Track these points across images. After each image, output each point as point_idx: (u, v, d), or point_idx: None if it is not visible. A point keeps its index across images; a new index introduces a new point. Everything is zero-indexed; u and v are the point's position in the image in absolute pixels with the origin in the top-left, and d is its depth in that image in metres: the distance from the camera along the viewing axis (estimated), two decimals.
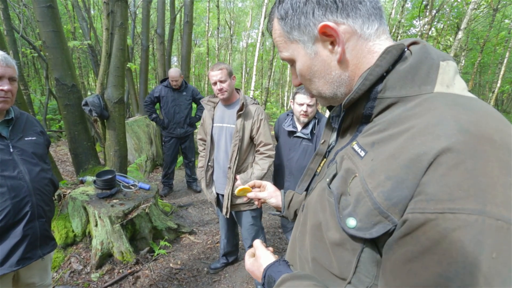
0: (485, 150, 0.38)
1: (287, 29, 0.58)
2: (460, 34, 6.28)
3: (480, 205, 0.36)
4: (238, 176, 2.03)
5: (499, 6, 9.09)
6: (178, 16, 9.17)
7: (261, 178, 2.15)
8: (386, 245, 0.44)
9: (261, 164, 2.15)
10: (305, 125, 2.36)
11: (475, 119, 0.41)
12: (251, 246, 0.82)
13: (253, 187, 1.12)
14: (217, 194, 2.31)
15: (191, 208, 3.97)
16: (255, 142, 2.17)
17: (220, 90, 2.07)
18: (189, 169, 4.54)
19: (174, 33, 7.11)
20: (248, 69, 18.77)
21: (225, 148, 2.17)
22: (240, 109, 2.05)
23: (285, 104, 19.63)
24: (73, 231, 2.66)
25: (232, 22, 17.29)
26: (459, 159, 0.38)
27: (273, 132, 2.71)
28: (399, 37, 9.64)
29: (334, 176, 0.56)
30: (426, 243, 0.38)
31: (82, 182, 3.01)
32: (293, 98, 2.34)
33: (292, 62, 0.62)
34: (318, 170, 0.72)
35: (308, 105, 2.23)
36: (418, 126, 0.43)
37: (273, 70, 15.26)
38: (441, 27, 11.08)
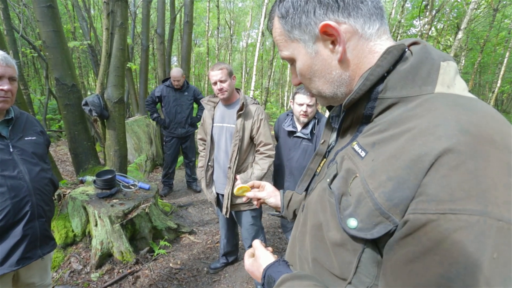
0: (486, 150, 0.38)
1: (287, 28, 0.58)
2: (460, 34, 6.28)
3: (482, 206, 0.36)
4: (238, 176, 2.03)
5: (499, 6, 9.09)
6: (178, 16, 9.16)
7: (261, 178, 2.15)
8: (387, 246, 0.44)
9: (261, 164, 2.15)
10: (305, 125, 2.36)
11: (476, 119, 0.41)
12: (251, 246, 0.82)
13: (252, 187, 1.12)
14: (217, 194, 2.31)
15: (191, 208, 3.97)
16: (255, 142, 2.17)
17: (220, 90, 2.06)
18: (190, 169, 4.54)
19: (174, 33, 7.10)
20: (248, 69, 18.76)
21: (225, 148, 2.17)
22: (240, 109, 2.05)
23: (285, 104, 19.63)
24: (73, 231, 2.66)
25: (232, 22, 17.29)
26: (460, 159, 0.38)
27: (273, 132, 2.71)
28: (399, 37, 9.64)
29: (335, 176, 0.56)
30: (428, 244, 0.38)
31: (82, 182, 3.01)
32: (293, 98, 2.34)
33: (292, 61, 0.62)
34: (318, 170, 0.72)
35: (308, 105, 2.23)
36: (419, 127, 0.43)
37: (273, 70, 15.27)
38: (441, 27, 11.08)
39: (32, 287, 1.53)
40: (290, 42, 0.59)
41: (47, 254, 1.50)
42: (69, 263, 2.50)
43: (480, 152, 0.38)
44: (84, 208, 2.60)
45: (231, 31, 16.94)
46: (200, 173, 2.33)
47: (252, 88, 9.95)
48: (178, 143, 4.32)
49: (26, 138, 1.43)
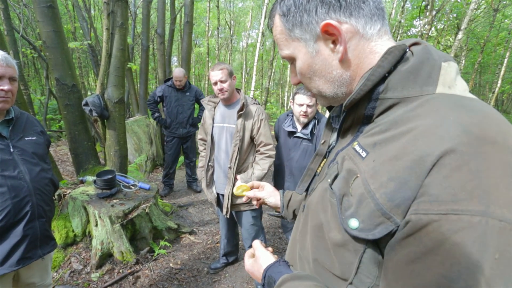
0: (488, 151, 0.38)
1: (288, 27, 0.57)
2: (460, 35, 6.28)
3: (483, 206, 0.36)
4: (238, 176, 2.03)
5: (499, 6, 9.09)
6: (178, 16, 9.17)
7: (262, 178, 2.15)
8: (388, 246, 0.44)
9: (262, 164, 2.15)
10: (305, 126, 2.36)
11: (478, 120, 0.41)
12: (251, 246, 0.82)
13: (251, 187, 1.12)
14: (218, 194, 2.31)
15: (191, 208, 3.97)
16: (255, 142, 2.17)
17: (221, 90, 2.06)
18: (190, 169, 4.54)
19: (175, 33, 7.10)
20: (248, 69, 18.76)
21: (226, 148, 2.17)
22: (241, 109, 2.05)
23: (285, 104, 19.63)
24: (73, 231, 2.66)
25: (232, 22, 17.29)
26: (462, 160, 0.38)
27: (273, 132, 2.71)
28: (398, 37, 9.64)
29: (336, 176, 0.56)
30: (429, 244, 0.38)
31: (82, 182, 3.01)
32: (293, 99, 2.34)
33: (292, 60, 0.62)
34: (318, 171, 0.72)
35: (307, 105, 2.23)
36: (420, 127, 0.43)
37: (273, 70, 15.26)
38: (441, 27, 11.08)
39: (33, 287, 1.53)
40: (291, 41, 0.59)
41: (48, 254, 1.50)
42: (70, 263, 2.50)
43: (482, 152, 0.38)
44: (85, 208, 2.60)
45: (231, 31, 16.94)
46: (200, 173, 2.34)
47: (252, 88, 9.95)
48: (179, 143, 4.32)
49: (26, 138, 1.43)
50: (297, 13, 0.55)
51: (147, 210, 2.76)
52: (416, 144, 0.42)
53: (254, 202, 1.11)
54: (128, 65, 4.17)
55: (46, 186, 1.46)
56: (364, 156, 0.50)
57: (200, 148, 2.43)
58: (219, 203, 2.34)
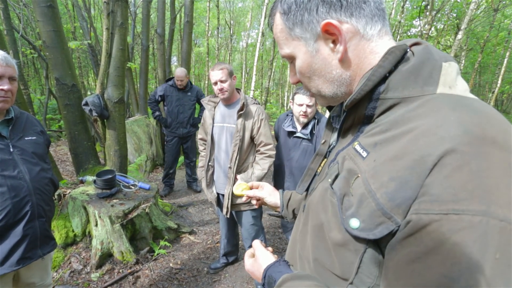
0: (489, 151, 0.38)
1: (289, 25, 0.57)
2: (460, 35, 6.28)
3: (484, 206, 0.36)
4: (238, 176, 2.03)
5: (499, 6, 9.09)
6: (178, 16, 9.16)
7: (262, 178, 2.15)
8: (389, 246, 0.44)
9: (262, 164, 2.15)
10: (304, 126, 2.36)
11: (478, 120, 0.41)
12: (251, 246, 0.82)
13: (251, 188, 1.12)
14: (218, 194, 2.31)
15: (191, 208, 3.97)
16: (255, 142, 2.17)
17: (221, 90, 2.06)
18: (190, 169, 4.54)
19: (174, 33, 7.10)
20: (248, 69, 18.75)
21: (226, 148, 2.17)
22: (241, 109, 2.05)
23: (285, 104, 19.62)
24: (73, 231, 2.66)
25: (232, 22, 17.28)
26: (463, 160, 0.38)
27: (273, 132, 2.72)
28: (398, 37, 9.64)
29: (337, 176, 0.56)
30: (430, 244, 0.38)
31: (82, 181, 3.00)
32: (293, 99, 2.34)
33: (291, 59, 0.62)
34: (318, 170, 0.72)
35: (307, 105, 2.23)
36: (421, 127, 0.43)
37: (273, 70, 15.26)
38: (441, 27, 11.08)
39: (33, 287, 1.53)
40: (291, 40, 0.59)
41: (48, 254, 1.50)
42: (69, 263, 2.50)
43: (483, 152, 0.38)
44: (84, 208, 2.60)
45: (231, 31, 16.93)
46: (200, 173, 2.33)
47: (252, 88, 9.95)
48: (179, 143, 4.33)
49: (26, 138, 1.42)
50: (298, 11, 0.55)
51: (147, 210, 2.76)
52: (417, 144, 0.42)
53: (254, 202, 1.11)
54: (128, 65, 4.17)
55: (46, 186, 1.46)
56: (364, 156, 0.50)
57: (200, 148, 2.43)
58: (219, 203, 2.34)
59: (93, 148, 3.47)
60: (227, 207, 2.17)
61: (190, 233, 3.26)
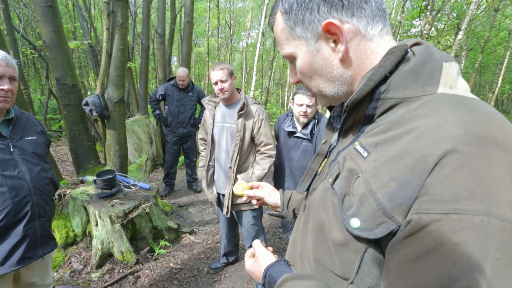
0: (490, 151, 0.38)
1: (290, 24, 0.57)
2: (461, 35, 6.28)
3: (485, 206, 0.36)
4: (239, 176, 2.03)
5: (500, 6, 9.09)
6: (178, 16, 9.16)
7: (262, 178, 2.15)
8: (389, 245, 0.44)
9: (262, 164, 2.15)
10: (304, 126, 2.36)
11: (479, 120, 0.41)
12: (251, 246, 0.82)
13: (251, 188, 1.12)
14: (218, 193, 2.31)
15: (191, 208, 3.97)
16: (256, 142, 2.17)
17: (221, 90, 2.06)
18: (190, 169, 4.54)
19: (175, 33, 7.10)
20: (248, 69, 18.76)
21: (226, 148, 2.17)
22: (241, 109, 2.05)
23: (285, 104, 19.62)
24: (73, 231, 2.66)
25: (232, 22, 17.28)
26: (464, 160, 0.38)
27: (273, 132, 2.71)
28: (399, 37, 9.63)
29: (337, 176, 0.56)
30: (431, 244, 0.38)
31: (82, 181, 3.01)
32: (293, 99, 2.34)
33: (292, 58, 0.61)
34: (319, 170, 0.72)
35: (307, 105, 2.23)
36: (422, 127, 0.43)
37: (273, 70, 15.25)
38: (442, 27, 11.08)
39: (33, 287, 1.53)
40: (292, 40, 0.58)
41: (48, 254, 1.50)
42: (70, 263, 2.50)
43: (484, 152, 0.38)
44: (85, 208, 2.60)
45: (231, 31, 16.93)
46: (201, 173, 2.33)
47: (252, 88, 9.95)
48: (179, 143, 4.32)
49: (26, 138, 1.43)
50: (299, 11, 0.55)
51: (147, 210, 2.76)
52: (418, 144, 0.42)
53: (254, 202, 1.11)
54: (128, 65, 4.17)
55: (46, 186, 1.46)
56: (365, 156, 0.50)
57: (201, 148, 2.43)
58: (219, 202, 2.34)
59: (93, 148, 3.47)
60: (228, 207, 2.17)
61: (190, 233, 3.26)
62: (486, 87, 17.95)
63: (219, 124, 2.19)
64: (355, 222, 0.48)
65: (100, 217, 2.48)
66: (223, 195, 2.23)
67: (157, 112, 4.20)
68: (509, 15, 11.70)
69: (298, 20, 0.56)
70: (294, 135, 2.40)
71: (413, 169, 0.41)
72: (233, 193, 2.12)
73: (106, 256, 2.56)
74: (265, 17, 9.30)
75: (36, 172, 1.40)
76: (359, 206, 0.48)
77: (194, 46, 16.25)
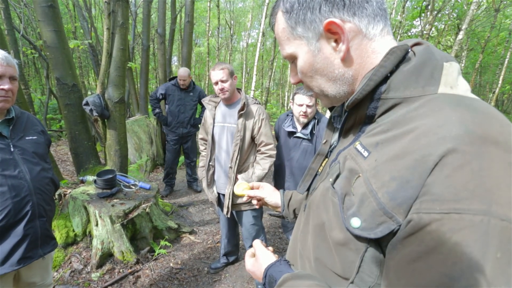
0: (490, 151, 0.38)
1: (291, 24, 0.57)
2: (461, 35, 6.28)
3: (485, 206, 0.36)
4: (239, 176, 2.03)
5: (500, 7, 9.08)
6: (178, 16, 9.16)
7: (262, 178, 2.15)
8: (390, 245, 0.44)
9: (262, 164, 2.15)
10: (304, 126, 2.36)
11: (480, 120, 0.41)
12: (251, 246, 0.82)
13: (251, 189, 1.12)
14: (218, 193, 2.31)
15: (191, 207, 3.97)
16: (256, 142, 2.17)
17: (222, 90, 2.06)
18: (190, 169, 4.54)
19: (175, 33, 7.10)
20: (248, 69, 18.76)
21: (227, 148, 2.17)
22: (242, 109, 2.05)
23: (285, 104, 19.62)
24: (73, 231, 2.66)
25: (232, 22, 17.28)
26: (465, 160, 0.38)
27: (273, 132, 2.71)
28: (399, 37, 9.63)
29: (338, 176, 0.56)
30: (431, 243, 0.38)
31: (82, 181, 3.01)
32: (293, 99, 2.34)
33: (293, 59, 0.61)
34: (319, 170, 0.72)
35: (307, 105, 2.23)
36: (422, 127, 0.43)
37: (273, 70, 15.24)
38: (442, 27, 11.07)
39: (33, 287, 1.53)
40: (293, 39, 0.58)
41: (48, 253, 1.50)
42: (70, 262, 2.50)
43: (484, 152, 0.38)
44: (85, 208, 2.60)
45: (231, 31, 16.93)
46: (201, 172, 2.34)
47: (253, 88, 9.95)
48: (179, 143, 4.32)
49: (27, 138, 1.43)
50: (301, 10, 0.55)
51: (147, 209, 2.76)
52: (418, 143, 0.42)
53: (255, 202, 1.11)
54: (129, 65, 4.18)
55: (46, 186, 1.46)
56: (366, 155, 0.50)
57: (201, 147, 2.43)
58: (219, 202, 2.34)
59: (94, 148, 3.47)
60: (228, 207, 2.17)
61: (191, 233, 3.26)
62: (486, 87, 17.94)
63: (220, 124, 2.19)
64: (355, 222, 0.48)
65: (100, 217, 2.49)
66: (224, 195, 2.23)
67: (157, 110, 4.20)
68: (510, 15, 11.69)
69: (299, 20, 0.56)
70: (294, 135, 2.40)
71: (414, 169, 0.41)
72: (233, 193, 2.12)
73: (106, 256, 2.56)
74: (266, 17, 9.30)
75: (37, 172, 1.41)
76: (359, 205, 0.48)
77: (194, 46, 16.26)
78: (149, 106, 4.86)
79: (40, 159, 1.45)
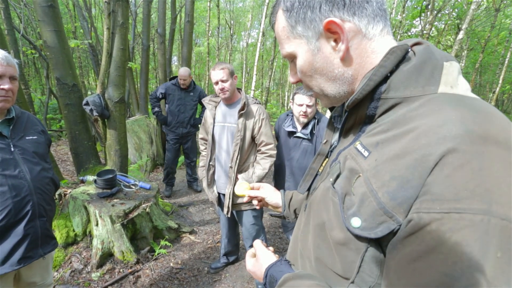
0: (490, 150, 0.38)
1: (291, 23, 0.57)
2: (461, 34, 6.27)
3: (486, 205, 0.36)
4: (239, 176, 2.03)
5: (500, 6, 9.07)
6: (178, 16, 9.15)
7: (263, 178, 2.15)
8: (390, 245, 0.44)
9: (263, 163, 2.15)
10: (304, 126, 2.36)
11: (480, 119, 0.41)
12: (251, 245, 0.82)
13: (252, 189, 1.12)
14: (219, 193, 2.31)
15: (191, 207, 3.97)
16: (256, 142, 2.17)
17: (222, 89, 2.06)
18: (191, 169, 4.54)
19: (175, 33, 7.10)
20: (248, 69, 18.76)
21: (227, 148, 2.17)
22: (242, 109, 2.05)
23: (285, 104, 19.62)
24: (73, 231, 2.66)
25: (232, 22, 17.28)
26: (465, 159, 0.38)
27: (273, 132, 2.71)
28: (399, 37, 9.62)
29: (338, 176, 0.56)
30: (431, 243, 0.38)
31: (82, 181, 3.01)
32: (293, 99, 2.34)
33: (292, 58, 0.61)
34: (320, 170, 0.72)
35: (307, 105, 2.23)
36: (423, 127, 0.43)
37: (273, 70, 15.24)
38: (442, 27, 11.06)
39: (34, 287, 1.53)
40: (292, 38, 0.58)
41: (48, 253, 1.50)
42: (70, 262, 2.51)
43: (484, 151, 0.38)
44: (85, 208, 2.60)
45: (231, 31, 16.92)
46: (201, 172, 2.34)
47: (253, 88, 9.95)
48: (179, 142, 4.32)
49: (27, 138, 1.43)
50: (301, 9, 0.55)
51: (147, 209, 2.76)
52: (419, 143, 0.42)
53: (255, 202, 1.10)
54: (129, 64, 4.18)
55: (47, 186, 1.46)
56: (366, 155, 0.50)
57: (201, 147, 2.43)
58: (220, 202, 2.34)
59: (94, 147, 3.47)
60: (228, 207, 2.18)
61: (191, 232, 3.26)
62: (486, 87, 17.94)
63: (220, 124, 2.19)
64: (356, 222, 0.48)
65: (100, 216, 2.49)
66: (224, 194, 2.24)
67: (156, 109, 4.19)
68: (510, 15, 11.68)
69: (299, 19, 0.56)
70: (294, 135, 2.40)
71: (414, 168, 0.41)
72: (233, 192, 2.12)
73: (107, 256, 2.56)
74: (266, 17, 9.30)
75: (37, 172, 1.41)
76: (360, 205, 0.48)
77: (194, 46, 16.25)
78: (149, 106, 4.86)
79: (40, 159, 1.46)
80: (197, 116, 4.37)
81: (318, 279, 0.59)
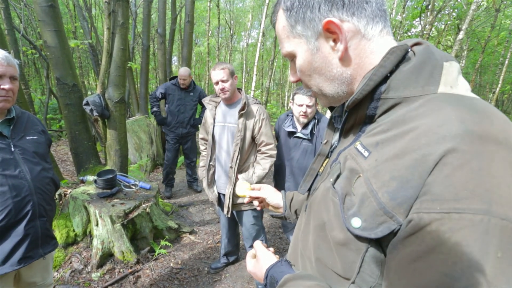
0: (490, 150, 0.38)
1: (291, 22, 0.57)
2: (461, 35, 6.27)
3: (486, 205, 0.36)
4: (239, 176, 2.03)
5: (501, 7, 9.07)
6: (178, 16, 9.16)
7: (263, 178, 2.15)
8: (390, 245, 0.44)
9: (263, 163, 2.15)
10: (304, 126, 2.36)
11: (480, 119, 0.41)
12: (252, 245, 0.82)
13: (252, 190, 1.12)
14: (219, 193, 2.31)
15: (191, 207, 3.97)
16: (256, 142, 2.17)
17: (222, 89, 2.07)
18: (190, 169, 4.53)
19: (175, 33, 7.10)
20: (248, 69, 18.75)
21: (227, 148, 2.17)
22: (242, 109, 2.05)
23: (285, 104, 19.61)
24: (74, 231, 2.66)
25: (232, 22, 17.28)
26: (464, 159, 0.38)
27: (273, 132, 2.71)
28: (399, 37, 9.62)
29: (338, 176, 0.56)
30: (432, 243, 0.38)
31: (82, 181, 3.01)
32: (293, 99, 2.34)
33: (292, 57, 0.62)
34: (320, 170, 0.72)
35: (307, 105, 2.23)
36: (422, 127, 0.43)
37: (273, 70, 15.24)
38: (442, 27, 11.07)
39: (34, 287, 1.53)
40: (292, 38, 0.59)
41: (49, 253, 1.50)
42: (70, 262, 2.51)
43: (484, 151, 0.38)
44: (85, 208, 2.60)
45: (231, 31, 16.92)
46: (201, 172, 2.34)
47: (253, 88, 9.95)
48: (179, 143, 4.31)
49: (27, 138, 1.43)
50: (301, 9, 0.55)
51: (147, 209, 2.76)
52: (418, 143, 0.42)
53: (256, 203, 1.10)
54: (129, 64, 4.18)
55: (47, 186, 1.46)
56: (366, 155, 0.50)
57: (202, 147, 2.43)
58: (220, 202, 2.34)
59: (94, 147, 3.47)
60: (228, 207, 2.18)
61: (191, 233, 3.26)
62: (486, 87, 17.93)
63: (220, 124, 2.19)
64: (356, 222, 0.48)
65: (100, 216, 2.49)
66: (224, 195, 2.24)
67: (155, 109, 4.18)
68: (510, 15, 11.68)
69: (299, 18, 0.56)
70: (294, 135, 2.40)
71: (414, 168, 0.41)
72: (233, 192, 2.12)
73: (107, 256, 2.56)
74: (266, 17, 9.30)
75: (37, 172, 1.41)
76: (360, 205, 0.48)
77: (194, 46, 16.25)
78: (149, 106, 4.86)
79: (40, 159, 1.46)
80: (197, 116, 4.37)
81: (318, 279, 0.59)
